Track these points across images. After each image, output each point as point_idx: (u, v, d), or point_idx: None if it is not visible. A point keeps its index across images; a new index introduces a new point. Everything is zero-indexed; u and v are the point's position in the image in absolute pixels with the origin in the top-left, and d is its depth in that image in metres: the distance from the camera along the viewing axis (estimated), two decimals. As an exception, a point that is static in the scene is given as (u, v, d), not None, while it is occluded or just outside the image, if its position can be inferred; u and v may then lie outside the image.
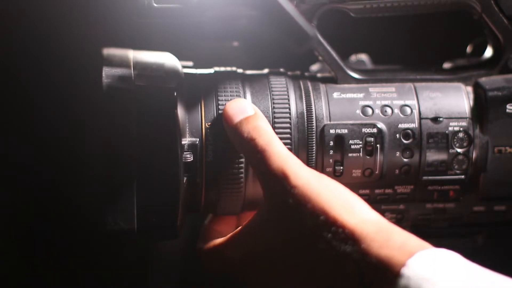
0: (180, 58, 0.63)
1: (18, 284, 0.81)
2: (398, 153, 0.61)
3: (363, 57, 0.71)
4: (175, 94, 0.57)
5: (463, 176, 0.62)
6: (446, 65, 0.70)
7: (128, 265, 0.83)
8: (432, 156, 0.62)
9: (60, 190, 0.79)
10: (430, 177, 0.62)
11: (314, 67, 0.71)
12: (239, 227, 0.58)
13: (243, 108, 0.59)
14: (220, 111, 0.60)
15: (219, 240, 0.60)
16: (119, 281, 0.83)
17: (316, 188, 0.54)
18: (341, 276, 0.51)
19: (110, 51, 0.61)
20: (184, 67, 0.64)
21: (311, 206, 0.53)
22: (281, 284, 0.56)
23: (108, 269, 0.82)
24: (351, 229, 0.52)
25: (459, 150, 0.62)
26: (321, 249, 0.52)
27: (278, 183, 0.55)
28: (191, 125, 0.60)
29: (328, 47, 0.63)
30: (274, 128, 0.60)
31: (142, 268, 0.85)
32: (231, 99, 0.61)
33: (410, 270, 0.47)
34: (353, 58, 0.71)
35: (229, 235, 0.59)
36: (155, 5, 0.58)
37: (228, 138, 0.59)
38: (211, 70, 0.64)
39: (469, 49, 0.71)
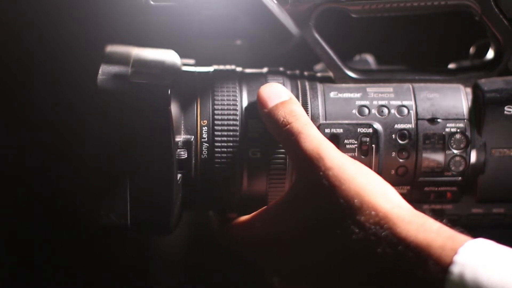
0: (183, 56, 0.64)
1: (14, 279, 0.81)
2: (394, 154, 0.61)
3: (368, 57, 0.71)
4: (169, 91, 0.58)
5: (460, 178, 0.62)
6: (451, 66, 0.69)
7: (129, 262, 0.84)
8: (429, 157, 0.61)
9: (54, 185, 0.79)
10: (426, 178, 0.62)
11: (318, 67, 0.71)
12: (266, 207, 0.59)
13: (278, 92, 0.60)
14: (216, 109, 0.60)
15: (241, 219, 0.60)
16: (119, 278, 0.83)
17: (351, 171, 0.55)
18: (376, 260, 0.51)
19: (112, 48, 0.62)
20: (185, 65, 0.64)
21: (345, 188, 0.54)
22: (308, 267, 0.56)
23: (109, 266, 0.83)
24: (385, 213, 0.52)
25: (456, 151, 0.61)
26: (354, 232, 0.52)
27: (313, 165, 0.55)
28: (186, 123, 0.60)
29: (326, 47, 0.63)
30: None
31: (143, 265, 0.85)
32: (227, 98, 0.61)
33: (464, 258, 0.48)
34: (357, 57, 0.71)
35: (253, 214, 0.59)
36: (152, 3, 0.59)
37: (223, 136, 0.60)
38: (210, 68, 0.65)
39: (472, 50, 0.70)
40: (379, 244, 0.51)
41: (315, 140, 0.57)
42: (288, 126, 0.58)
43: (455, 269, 0.47)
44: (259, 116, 0.60)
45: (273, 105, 0.59)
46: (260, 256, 0.59)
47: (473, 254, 0.48)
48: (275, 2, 0.53)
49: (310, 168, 0.55)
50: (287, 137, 0.58)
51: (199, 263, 0.84)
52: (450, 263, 0.48)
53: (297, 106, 0.59)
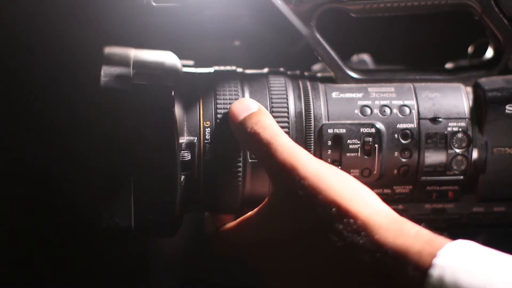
0: (182, 57, 0.64)
1: (15, 279, 0.81)
2: (396, 153, 0.61)
3: (365, 57, 0.71)
4: (173, 93, 0.57)
5: (462, 177, 0.62)
6: (448, 66, 0.69)
7: (129, 262, 0.84)
8: (431, 156, 0.61)
9: (58, 187, 0.79)
10: (428, 178, 0.62)
11: (316, 67, 0.71)
12: (250, 212, 0.59)
13: (247, 105, 0.59)
14: (218, 110, 0.60)
15: (229, 225, 0.60)
16: (119, 278, 0.83)
17: (326, 179, 0.54)
18: (355, 267, 0.51)
19: (111, 50, 0.62)
20: (184, 66, 0.64)
21: (322, 197, 0.53)
22: (290, 274, 0.56)
23: (109, 266, 0.82)
24: (363, 220, 0.52)
25: (458, 150, 0.62)
26: (333, 241, 0.52)
27: (287, 175, 0.55)
28: (189, 124, 0.60)
29: (327, 47, 0.63)
30: None
31: (143, 265, 0.85)
32: (229, 98, 0.61)
33: (443, 261, 0.47)
34: (355, 58, 0.71)
35: (239, 219, 0.59)
36: (154, 4, 0.59)
37: (226, 137, 0.60)
38: (210, 69, 0.65)
39: (470, 49, 0.71)
40: (357, 252, 0.51)
41: (286, 150, 0.56)
42: (257, 137, 0.57)
43: (435, 272, 0.47)
44: None
45: (241, 118, 0.59)
46: (250, 259, 0.59)
47: (452, 256, 0.47)
48: (281, 2, 0.53)
49: (285, 179, 0.55)
50: (258, 148, 0.57)
51: (199, 263, 0.84)
52: (429, 266, 0.47)
53: (265, 116, 0.59)
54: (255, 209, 0.58)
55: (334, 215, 0.52)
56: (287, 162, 0.55)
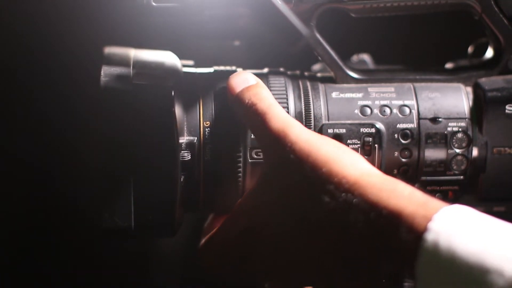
0: (181, 57, 0.64)
1: (15, 279, 0.81)
2: (396, 153, 0.61)
3: (365, 57, 0.71)
4: (173, 93, 0.57)
5: (462, 177, 0.62)
6: (448, 66, 0.69)
7: (129, 262, 0.84)
8: (431, 156, 0.61)
9: (58, 187, 0.79)
10: (428, 178, 0.62)
11: (316, 67, 0.71)
12: (243, 196, 0.58)
13: (245, 78, 0.60)
14: (218, 111, 0.60)
15: (223, 218, 0.60)
16: (119, 278, 0.83)
17: (317, 143, 0.54)
18: (348, 228, 0.50)
19: (111, 50, 0.62)
20: (184, 66, 0.64)
21: (312, 159, 0.53)
22: (289, 247, 0.55)
23: (109, 266, 0.82)
24: (355, 179, 0.51)
25: (458, 150, 0.62)
26: (325, 202, 0.52)
27: (279, 142, 0.55)
28: (189, 124, 0.60)
29: (327, 47, 0.63)
30: None
31: (143, 265, 0.85)
32: None
33: (438, 225, 0.46)
34: (354, 58, 0.71)
35: (234, 207, 0.59)
36: (154, 4, 0.59)
37: (226, 137, 0.60)
38: (210, 69, 0.65)
39: (470, 49, 0.71)
40: (351, 212, 0.50)
41: (280, 119, 0.56)
42: (254, 107, 0.58)
43: (429, 236, 0.46)
44: None
45: (239, 90, 0.59)
46: (243, 251, 0.58)
47: (448, 221, 0.46)
48: (281, 2, 0.53)
49: (277, 145, 0.55)
50: (253, 118, 0.57)
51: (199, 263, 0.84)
52: (424, 230, 0.46)
53: (263, 89, 0.59)
54: (247, 190, 0.58)
55: (326, 176, 0.52)
56: (280, 130, 0.56)
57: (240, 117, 0.60)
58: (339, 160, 0.53)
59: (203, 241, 0.61)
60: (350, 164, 0.53)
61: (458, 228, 0.46)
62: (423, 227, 0.47)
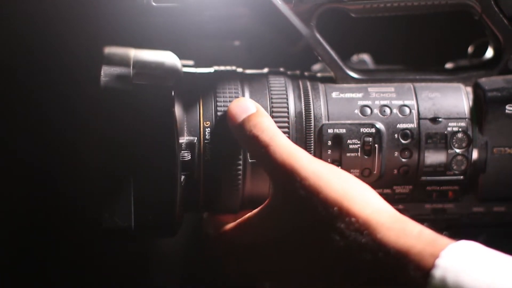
0: (181, 57, 0.64)
1: (16, 280, 0.81)
2: (396, 153, 0.61)
3: (365, 57, 0.71)
4: (173, 93, 0.57)
5: (462, 177, 0.62)
6: (448, 66, 0.69)
7: (129, 262, 0.84)
8: (431, 156, 0.61)
9: (58, 187, 0.79)
10: (428, 178, 0.62)
11: (316, 67, 0.71)
12: (250, 213, 0.59)
13: (245, 106, 0.59)
14: (218, 110, 0.60)
15: (228, 226, 0.60)
16: (119, 278, 0.83)
17: (327, 178, 0.54)
18: (357, 267, 0.51)
19: (111, 50, 0.62)
20: (184, 66, 0.64)
21: (323, 196, 0.53)
22: (290, 274, 0.56)
23: (109, 266, 0.82)
24: (365, 219, 0.52)
25: (458, 150, 0.62)
26: (335, 240, 0.52)
27: (287, 176, 0.55)
28: (189, 124, 0.60)
29: (327, 47, 0.63)
30: None
31: (143, 265, 0.85)
32: (229, 98, 0.61)
33: (446, 262, 0.47)
34: (354, 58, 0.71)
35: (239, 220, 0.59)
36: (154, 4, 0.59)
37: (226, 137, 0.60)
38: (210, 69, 0.65)
39: (470, 49, 0.71)
40: (359, 251, 0.51)
41: (285, 151, 0.56)
42: (256, 139, 0.57)
43: (437, 273, 0.47)
44: None
45: (240, 120, 0.59)
46: (248, 260, 0.59)
47: (455, 257, 0.47)
48: (281, 2, 0.53)
49: (285, 179, 0.55)
50: (256, 150, 0.57)
51: (199, 263, 0.84)
52: (431, 267, 0.47)
53: (264, 117, 0.59)
54: (255, 210, 0.58)
55: (335, 214, 0.52)
56: (286, 163, 0.55)
57: (244, 147, 0.60)
58: (350, 198, 0.53)
59: (215, 231, 0.61)
60: (360, 201, 0.53)
61: (466, 264, 0.46)
62: (431, 264, 0.47)
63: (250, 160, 0.60)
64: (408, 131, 0.61)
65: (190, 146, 0.59)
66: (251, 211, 0.59)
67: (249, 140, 0.58)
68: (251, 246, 0.58)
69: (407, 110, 0.62)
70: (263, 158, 0.57)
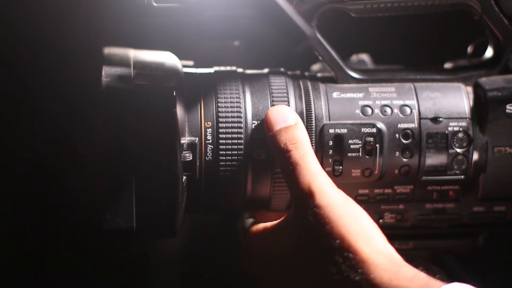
0: (181, 57, 0.63)
1: (16, 280, 0.81)
2: (397, 153, 0.61)
3: (364, 57, 0.71)
4: (174, 93, 0.57)
5: (462, 177, 0.62)
6: (447, 65, 0.69)
7: (129, 262, 0.84)
8: (432, 156, 0.61)
9: (60, 188, 0.79)
10: (429, 177, 0.62)
11: (315, 67, 0.71)
12: (266, 224, 0.60)
13: (284, 115, 0.60)
14: (219, 111, 0.60)
15: (254, 228, 0.61)
16: (119, 278, 0.83)
17: (338, 211, 0.55)
18: None
19: (111, 50, 0.62)
20: (184, 66, 0.64)
21: (329, 228, 0.54)
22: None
23: (109, 265, 0.82)
24: (363, 257, 0.52)
25: (458, 150, 0.62)
26: (331, 273, 0.53)
27: (303, 199, 0.56)
28: (190, 124, 0.60)
29: (328, 47, 0.63)
30: None
31: (143, 266, 0.85)
32: (230, 99, 0.61)
33: None
34: (354, 58, 0.71)
35: (255, 229, 0.60)
36: (154, 4, 0.59)
37: (228, 137, 0.60)
38: (211, 70, 0.64)
39: (470, 49, 0.71)
40: None
41: (310, 173, 0.57)
42: (287, 154, 0.58)
43: None
44: (263, 117, 0.60)
45: (277, 129, 0.59)
46: (257, 265, 0.60)
47: None
48: (284, 2, 0.53)
49: (302, 203, 0.56)
50: (286, 165, 0.58)
51: (199, 263, 0.84)
52: None
53: (300, 132, 0.59)
54: (272, 223, 0.59)
55: (336, 247, 0.53)
56: (306, 186, 0.56)
57: (274, 157, 0.60)
58: (354, 234, 0.54)
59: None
60: (363, 239, 0.54)
61: None
62: None
63: (251, 161, 0.60)
64: (409, 131, 0.61)
65: (191, 146, 0.59)
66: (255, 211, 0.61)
67: (281, 152, 0.58)
68: (261, 253, 0.59)
69: (408, 110, 0.62)
70: (289, 175, 0.57)
